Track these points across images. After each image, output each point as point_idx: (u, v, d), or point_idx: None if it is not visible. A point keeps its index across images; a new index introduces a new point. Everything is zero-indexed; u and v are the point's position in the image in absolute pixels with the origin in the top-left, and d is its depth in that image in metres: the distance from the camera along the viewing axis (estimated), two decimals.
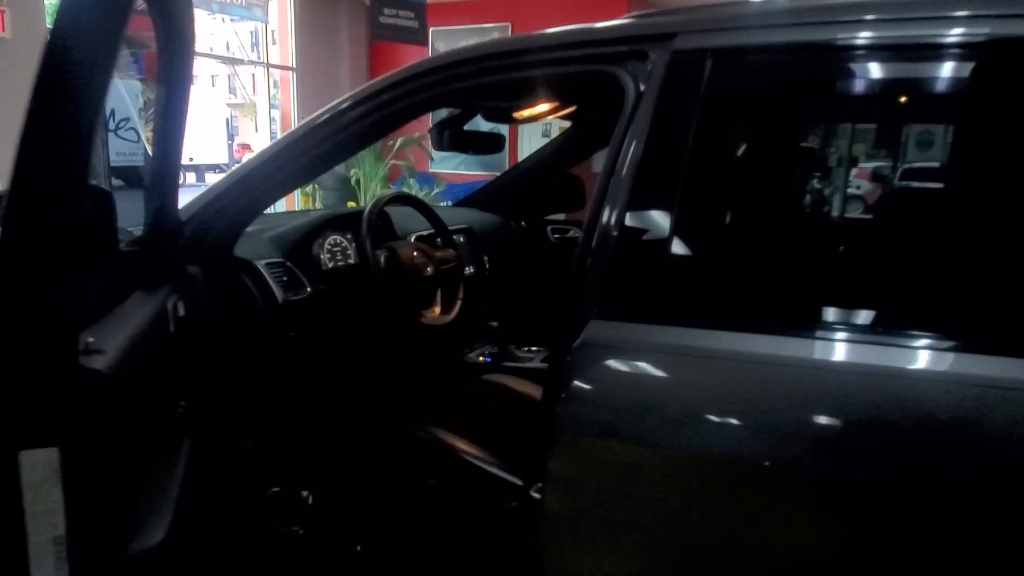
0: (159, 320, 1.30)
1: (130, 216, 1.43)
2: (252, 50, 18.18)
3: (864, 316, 1.15)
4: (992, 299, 1.06)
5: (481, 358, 2.51)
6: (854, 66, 1.18)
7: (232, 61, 15.76)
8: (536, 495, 1.21)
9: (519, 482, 1.52)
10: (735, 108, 1.30)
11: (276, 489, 1.95)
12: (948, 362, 1.03)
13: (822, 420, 1.06)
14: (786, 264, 1.25)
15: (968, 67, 1.11)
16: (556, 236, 2.99)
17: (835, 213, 1.39)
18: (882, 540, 1.01)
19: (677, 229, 1.19)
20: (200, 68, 26.81)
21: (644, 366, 1.17)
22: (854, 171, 1.36)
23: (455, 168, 7.81)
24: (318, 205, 7.40)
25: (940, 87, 1.16)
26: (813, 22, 1.18)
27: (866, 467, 1.02)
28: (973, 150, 1.18)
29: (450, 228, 2.41)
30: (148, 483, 1.28)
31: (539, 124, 6.68)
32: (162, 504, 1.27)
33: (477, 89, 1.52)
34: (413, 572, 1.90)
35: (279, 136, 1.69)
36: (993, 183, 1.10)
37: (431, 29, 7.38)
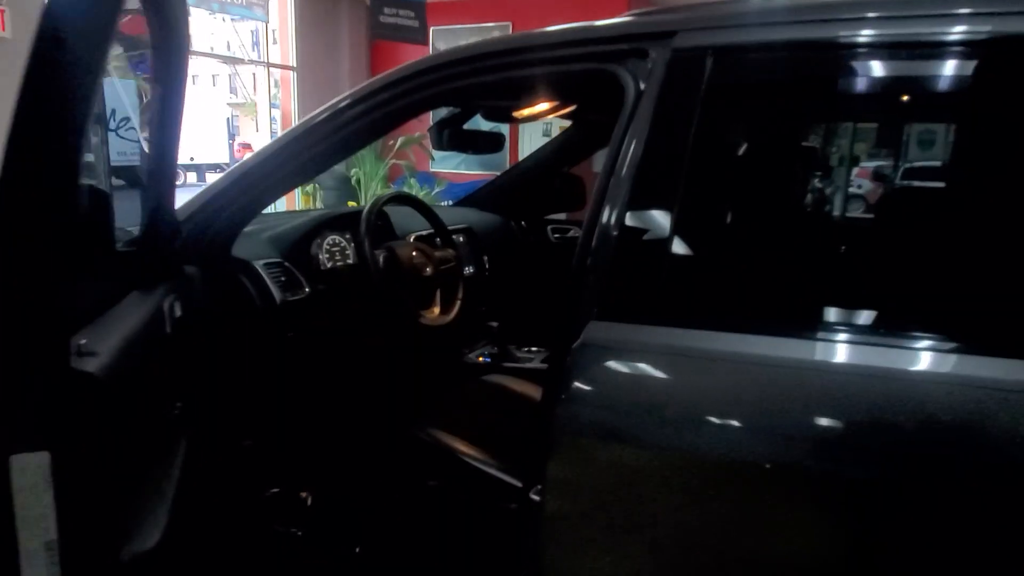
0: (155, 321, 1.29)
1: (131, 216, 1.43)
2: (253, 49, 18.20)
3: (867, 317, 1.14)
4: (995, 300, 1.05)
5: (481, 359, 2.51)
6: (856, 64, 1.17)
7: (233, 61, 15.76)
8: (535, 497, 1.21)
9: (518, 484, 1.52)
10: (736, 107, 1.29)
11: (275, 490, 1.95)
12: (951, 364, 1.02)
13: (823, 422, 1.05)
14: (788, 265, 1.24)
15: (971, 65, 1.10)
16: (556, 236, 2.99)
17: (837, 213, 1.38)
18: (883, 542, 1.00)
19: (678, 229, 1.18)
20: (201, 68, 26.88)
21: (644, 367, 1.16)
22: (856, 170, 1.35)
23: (456, 168, 7.80)
24: (319, 205, 7.39)
25: (943, 85, 1.15)
26: (815, 19, 1.17)
27: (868, 469, 1.01)
28: (976, 149, 1.17)
29: (449, 228, 2.40)
30: (143, 486, 1.27)
31: (540, 123, 6.68)
32: (157, 507, 1.26)
33: (476, 88, 1.51)
34: (412, 574, 1.89)
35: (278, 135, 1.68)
36: (996, 183, 1.09)
37: (431, 28, 7.38)
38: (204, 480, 1.48)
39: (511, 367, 2.40)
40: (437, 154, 7.46)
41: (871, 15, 1.13)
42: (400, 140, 7.34)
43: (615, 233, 1.19)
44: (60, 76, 0.91)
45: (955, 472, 0.97)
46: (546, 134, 6.74)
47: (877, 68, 1.17)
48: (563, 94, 1.98)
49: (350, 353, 2.14)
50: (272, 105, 8.50)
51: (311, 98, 7.81)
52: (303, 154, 1.58)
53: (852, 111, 1.33)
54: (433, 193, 7.23)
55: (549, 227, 3.00)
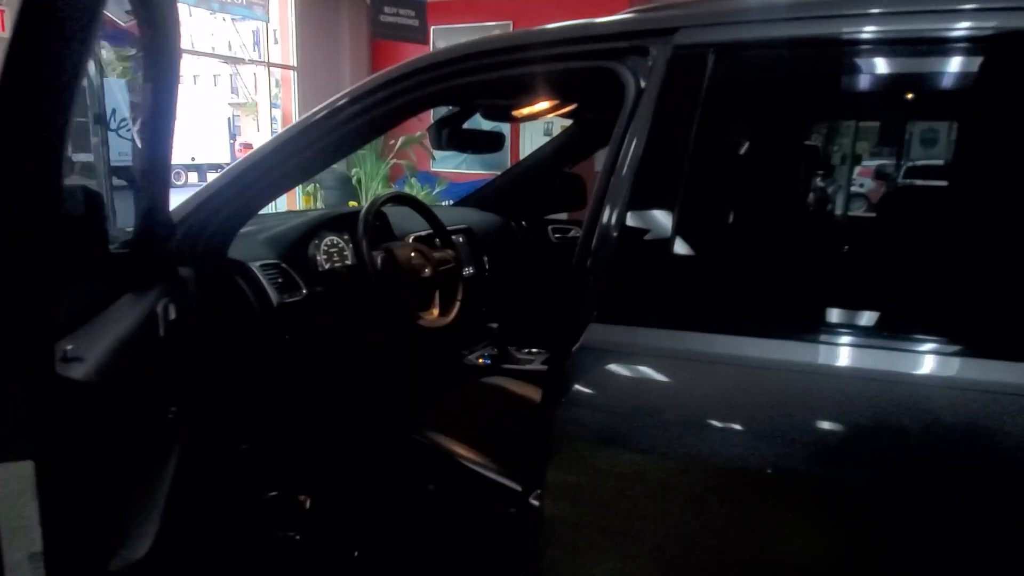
0: (148, 324, 1.27)
1: (133, 216, 1.41)
2: (254, 49, 18.22)
3: (870, 319, 1.12)
4: (1000, 302, 1.03)
5: (481, 360, 2.50)
6: (860, 61, 1.16)
7: (234, 60, 15.78)
8: (535, 502, 1.19)
9: (518, 488, 1.50)
10: (738, 105, 1.27)
11: (273, 493, 1.93)
12: (955, 367, 1.00)
13: (827, 426, 1.03)
14: (790, 265, 1.22)
15: (975, 62, 1.09)
16: (557, 236, 2.97)
17: (842, 213, 1.36)
18: (885, 547, 0.99)
19: (679, 229, 1.16)
20: (202, 68, 26.92)
21: (645, 370, 1.15)
22: (859, 169, 1.33)
23: (457, 167, 7.80)
24: (319, 205, 7.39)
25: (947, 82, 1.13)
26: (818, 16, 1.14)
27: (871, 474, 1.00)
28: (981, 148, 1.15)
29: (449, 228, 2.39)
30: (134, 493, 1.25)
31: (541, 123, 6.67)
32: (148, 516, 1.24)
33: (475, 86, 1.50)
34: None
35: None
36: (1001, 182, 1.07)
37: (432, 27, 7.39)
38: (199, 485, 1.46)
39: (511, 369, 2.39)
40: (438, 154, 7.46)
41: (874, 11, 1.11)
42: (401, 140, 7.34)
43: (615, 234, 1.18)
44: (40, 67, 0.87)
45: (957, 477, 0.96)
46: (547, 133, 6.73)
47: (881, 65, 1.15)
48: (563, 92, 1.96)
49: (348, 355, 2.13)
50: (273, 105, 8.51)
51: (312, 98, 7.80)
52: (300, 153, 1.56)
53: (856, 109, 1.31)
54: (434, 193, 7.22)
55: (550, 227, 2.99)
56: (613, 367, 1.16)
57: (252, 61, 11.96)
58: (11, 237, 0.90)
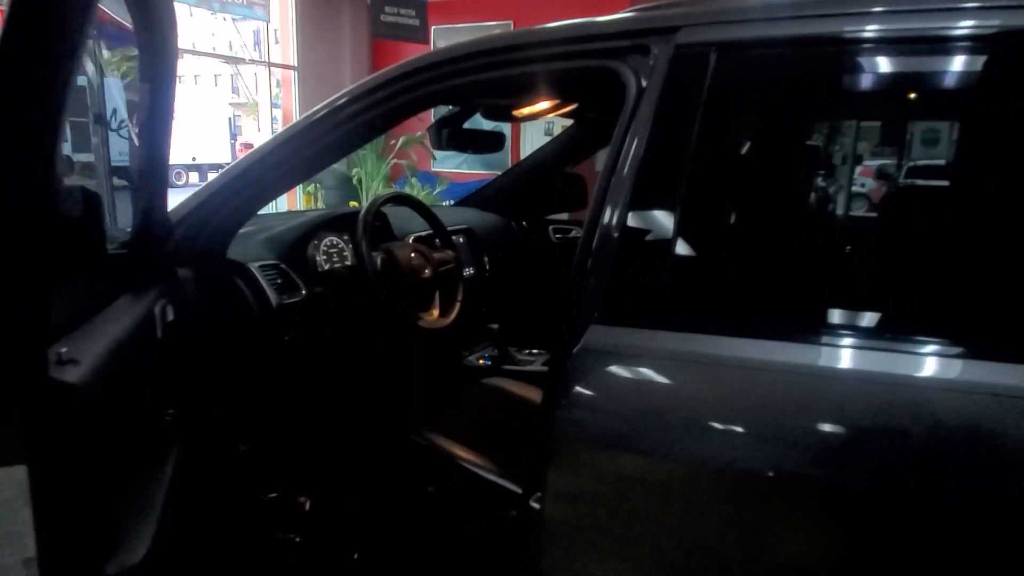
0: (145, 326, 1.27)
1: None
2: (254, 49, 18.23)
3: (873, 321, 1.11)
4: (1002, 303, 1.02)
5: (481, 361, 2.49)
6: (863, 60, 1.15)
7: (235, 60, 15.77)
8: (535, 504, 1.18)
9: (518, 490, 1.49)
10: (740, 104, 1.26)
11: (273, 495, 1.92)
12: (958, 369, 1.00)
13: (829, 428, 1.03)
14: (793, 266, 1.21)
15: (979, 61, 1.08)
16: (558, 236, 2.96)
17: (844, 213, 1.35)
18: (887, 550, 0.98)
19: (680, 230, 1.15)
20: (203, 68, 26.92)
21: (646, 372, 1.14)
22: (861, 169, 1.32)
23: (458, 167, 7.79)
24: (320, 205, 7.38)
25: (950, 81, 1.12)
26: (821, 14, 1.14)
27: (873, 476, 0.99)
28: (985, 148, 1.14)
29: (449, 228, 2.38)
30: (131, 497, 1.24)
31: (541, 122, 6.66)
32: (145, 519, 1.23)
33: (475, 86, 1.49)
34: None
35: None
36: (1002, 182, 1.06)
37: (432, 27, 7.37)
38: (197, 487, 1.45)
39: (511, 370, 2.38)
40: (439, 154, 7.46)
41: (877, 10, 1.10)
42: (401, 139, 7.34)
43: (616, 234, 1.17)
44: (32, 65, 0.86)
45: (959, 479, 0.96)
46: (548, 133, 6.72)
47: (883, 64, 1.15)
48: (564, 92, 1.95)
49: (348, 356, 2.12)
50: (274, 105, 8.50)
51: (313, 97, 7.79)
52: (299, 154, 1.55)
53: (858, 108, 1.31)
54: (434, 193, 7.21)
55: (551, 227, 2.98)
56: (614, 369, 1.15)
57: (253, 61, 11.96)
58: (3, 239, 0.88)
